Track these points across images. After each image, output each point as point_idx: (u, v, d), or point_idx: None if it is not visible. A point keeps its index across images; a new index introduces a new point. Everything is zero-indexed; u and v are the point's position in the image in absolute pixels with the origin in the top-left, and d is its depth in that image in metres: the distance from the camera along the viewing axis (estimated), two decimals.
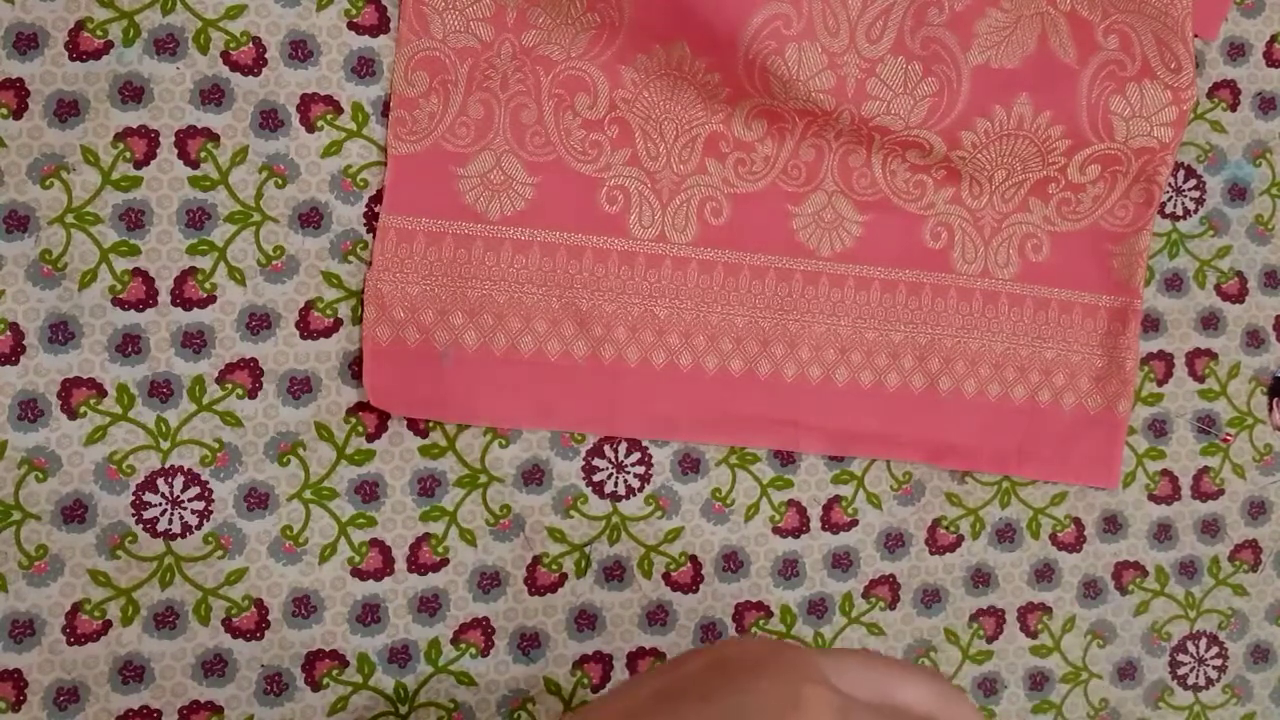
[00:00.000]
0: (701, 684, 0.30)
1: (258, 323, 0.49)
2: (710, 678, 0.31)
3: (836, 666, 0.31)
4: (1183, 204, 0.59)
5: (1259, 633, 0.59)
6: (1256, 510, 0.59)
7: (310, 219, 0.50)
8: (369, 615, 0.50)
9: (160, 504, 0.48)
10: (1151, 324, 0.58)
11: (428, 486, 0.51)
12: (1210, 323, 0.59)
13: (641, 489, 0.53)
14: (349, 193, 0.51)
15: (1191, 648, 0.58)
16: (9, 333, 0.47)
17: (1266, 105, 0.60)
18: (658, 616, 0.53)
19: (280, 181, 0.50)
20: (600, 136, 0.52)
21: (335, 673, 0.50)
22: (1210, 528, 0.59)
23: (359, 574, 0.50)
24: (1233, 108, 0.59)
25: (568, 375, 0.52)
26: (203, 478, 0.49)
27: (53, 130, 0.48)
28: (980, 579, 0.56)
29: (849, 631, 0.55)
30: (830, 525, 0.55)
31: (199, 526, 0.48)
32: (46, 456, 0.47)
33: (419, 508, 0.51)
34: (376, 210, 0.51)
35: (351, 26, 0.51)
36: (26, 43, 0.48)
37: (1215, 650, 0.59)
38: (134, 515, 0.48)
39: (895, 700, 0.31)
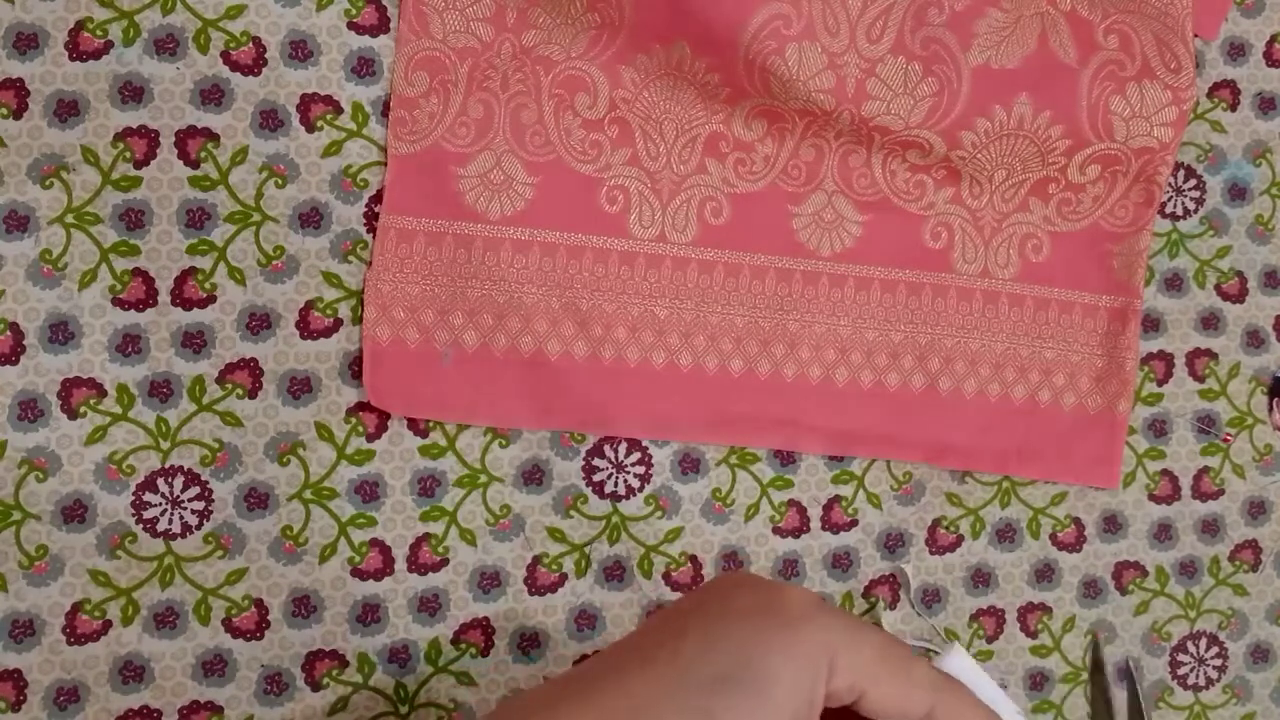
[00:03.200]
0: (687, 605, 0.32)
1: (258, 323, 0.49)
2: (695, 599, 0.32)
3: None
4: (1183, 204, 0.59)
5: (1259, 633, 0.59)
6: (1256, 510, 0.59)
7: (310, 219, 0.50)
8: (369, 615, 0.50)
9: (160, 504, 0.48)
10: (1151, 324, 0.58)
11: (428, 486, 0.51)
12: (1210, 323, 0.59)
13: (641, 489, 0.53)
14: (349, 193, 0.51)
15: (1191, 648, 0.58)
16: (9, 333, 0.47)
17: (1266, 105, 0.60)
18: None
19: (280, 181, 0.50)
20: (600, 136, 0.52)
21: (335, 673, 0.50)
22: (1210, 528, 0.59)
23: (359, 574, 0.50)
24: (1233, 108, 0.59)
25: (568, 375, 0.52)
26: (203, 478, 0.49)
27: (53, 130, 0.48)
28: (980, 579, 0.56)
29: None
30: (830, 525, 0.55)
31: (199, 526, 0.48)
32: (46, 456, 0.47)
33: (419, 508, 0.51)
34: (376, 210, 0.51)
35: (351, 26, 0.51)
36: (26, 43, 0.48)
37: (1215, 650, 0.58)
38: (134, 515, 0.48)
39: None
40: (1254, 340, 0.59)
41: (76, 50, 0.48)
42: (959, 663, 0.34)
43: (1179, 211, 0.59)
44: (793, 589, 0.31)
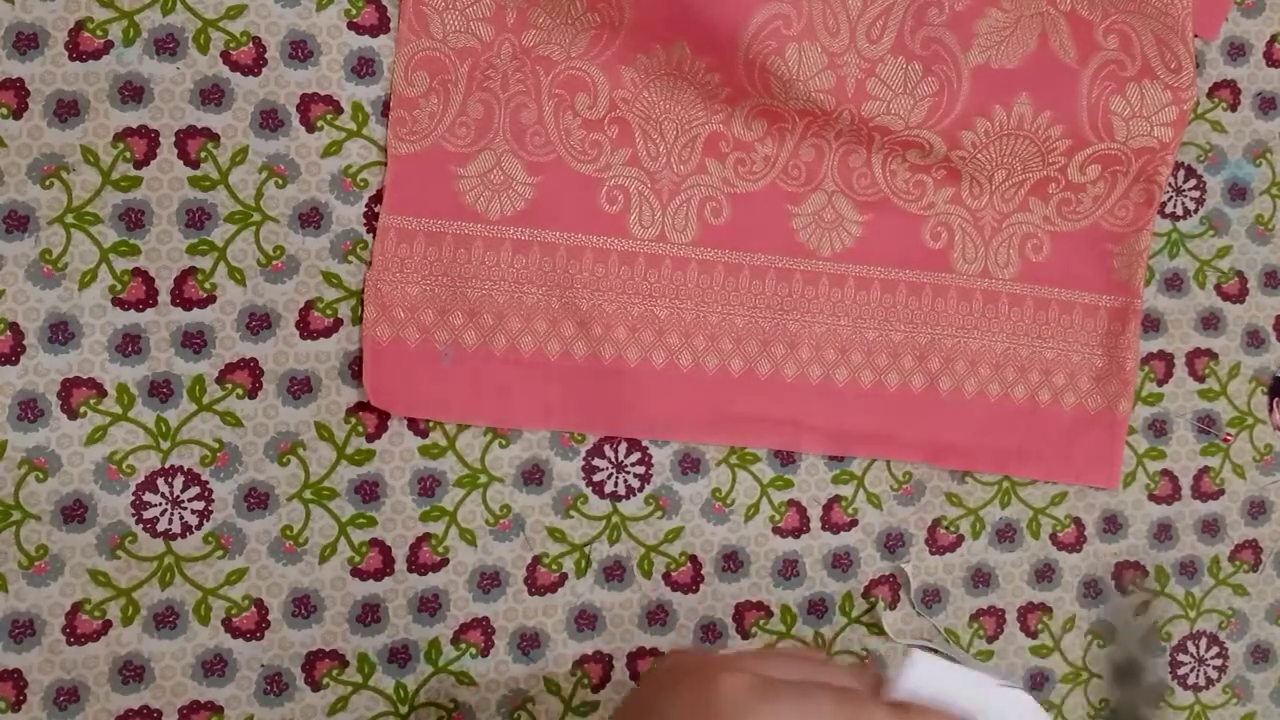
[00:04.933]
0: (633, 704, 0.32)
1: (258, 323, 0.49)
2: (641, 693, 0.33)
3: (762, 664, 0.33)
4: (1183, 204, 0.59)
5: (1259, 633, 0.59)
6: (1257, 510, 0.59)
7: (310, 219, 0.50)
8: (369, 615, 0.50)
9: (160, 504, 0.48)
10: (1152, 324, 0.58)
11: (428, 486, 0.51)
12: (1210, 323, 0.59)
13: (641, 489, 0.53)
14: (349, 193, 0.51)
15: (1192, 648, 0.58)
16: (9, 333, 0.47)
17: (1266, 105, 0.60)
18: (658, 616, 0.53)
19: (280, 181, 0.50)
20: (600, 136, 0.52)
21: (335, 673, 0.50)
22: (1210, 528, 0.59)
23: (359, 574, 0.50)
24: (1233, 108, 0.59)
25: (568, 375, 0.52)
26: (203, 477, 0.49)
27: (53, 130, 0.48)
28: (980, 579, 0.56)
29: (849, 632, 0.55)
30: (830, 525, 0.55)
31: (199, 526, 0.48)
32: (46, 456, 0.47)
33: (419, 508, 0.51)
34: (376, 210, 0.51)
35: (351, 26, 0.51)
36: (26, 43, 0.48)
37: (1215, 650, 0.58)
38: (134, 515, 0.48)
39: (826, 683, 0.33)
40: (1254, 340, 0.59)
41: (76, 50, 0.48)
42: (921, 670, 0.32)
43: (1179, 211, 0.59)
44: (728, 682, 0.30)
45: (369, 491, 0.50)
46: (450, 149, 0.51)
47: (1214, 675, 0.58)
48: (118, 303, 0.48)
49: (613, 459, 0.52)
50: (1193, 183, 0.59)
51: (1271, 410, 0.59)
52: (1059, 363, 0.56)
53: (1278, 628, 0.59)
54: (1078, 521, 0.57)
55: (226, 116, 0.49)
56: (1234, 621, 0.59)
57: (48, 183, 0.48)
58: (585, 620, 0.52)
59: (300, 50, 0.50)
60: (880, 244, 0.55)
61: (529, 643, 0.52)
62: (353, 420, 0.50)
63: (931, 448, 0.55)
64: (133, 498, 0.48)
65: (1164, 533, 0.58)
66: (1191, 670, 0.58)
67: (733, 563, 0.54)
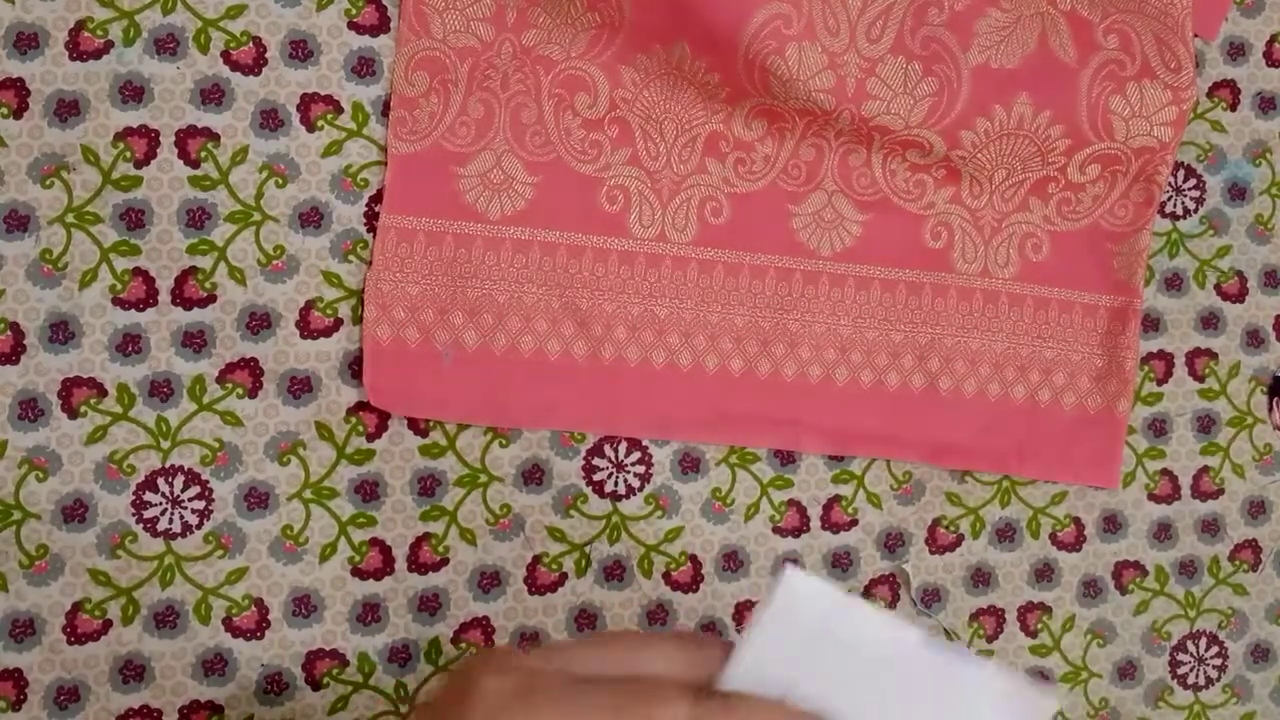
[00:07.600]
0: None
1: (258, 322, 0.49)
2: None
3: (566, 656, 0.30)
4: (1183, 203, 0.59)
5: (1259, 632, 0.59)
6: (1256, 510, 0.59)
7: (310, 219, 0.50)
8: (369, 614, 0.50)
9: (160, 503, 0.48)
10: (1151, 323, 0.58)
11: (428, 486, 0.51)
12: (1210, 322, 0.59)
13: (641, 488, 0.53)
14: (349, 192, 0.51)
15: (1191, 647, 0.58)
16: (9, 332, 0.47)
17: (1266, 105, 0.60)
18: (658, 616, 0.53)
19: (280, 181, 0.50)
20: (600, 136, 0.52)
21: (335, 672, 0.50)
22: (1210, 527, 0.59)
23: (359, 573, 0.50)
24: (1233, 107, 0.59)
25: (568, 375, 0.52)
26: (203, 477, 0.49)
27: (53, 130, 0.48)
28: (980, 578, 0.56)
29: None
30: (830, 525, 0.55)
31: (199, 526, 0.49)
32: (47, 456, 0.47)
33: (419, 507, 0.51)
34: (377, 210, 0.51)
35: (351, 26, 0.51)
36: (27, 42, 0.48)
37: (1215, 650, 0.59)
38: (134, 515, 0.48)
39: (639, 672, 0.30)
40: (1254, 340, 0.59)
41: (77, 50, 0.48)
42: (795, 588, 0.29)
43: (1179, 211, 0.59)
44: (486, 684, 0.28)
45: (369, 491, 0.50)
46: (450, 149, 0.51)
47: (1214, 675, 0.58)
48: (118, 302, 0.48)
49: (613, 459, 0.53)
50: (1192, 182, 0.59)
51: (1271, 410, 0.59)
52: (1059, 362, 0.56)
53: (1277, 627, 0.59)
54: (1077, 521, 0.57)
55: (227, 116, 0.49)
56: (1234, 621, 0.59)
57: (48, 182, 0.48)
58: (585, 620, 0.52)
59: (300, 50, 0.50)
60: (880, 244, 0.55)
61: (529, 642, 0.52)
62: (353, 420, 0.50)
63: (931, 447, 0.55)
64: (133, 497, 0.48)
65: (1164, 532, 0.58)
66: (1191, 670, 0.58)
67: (733, 562, 0.54)
